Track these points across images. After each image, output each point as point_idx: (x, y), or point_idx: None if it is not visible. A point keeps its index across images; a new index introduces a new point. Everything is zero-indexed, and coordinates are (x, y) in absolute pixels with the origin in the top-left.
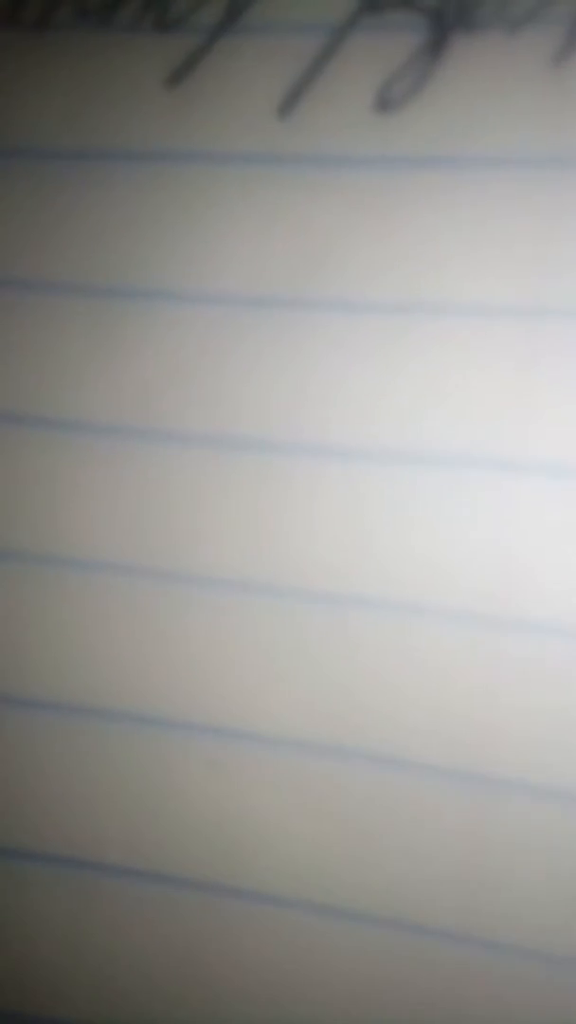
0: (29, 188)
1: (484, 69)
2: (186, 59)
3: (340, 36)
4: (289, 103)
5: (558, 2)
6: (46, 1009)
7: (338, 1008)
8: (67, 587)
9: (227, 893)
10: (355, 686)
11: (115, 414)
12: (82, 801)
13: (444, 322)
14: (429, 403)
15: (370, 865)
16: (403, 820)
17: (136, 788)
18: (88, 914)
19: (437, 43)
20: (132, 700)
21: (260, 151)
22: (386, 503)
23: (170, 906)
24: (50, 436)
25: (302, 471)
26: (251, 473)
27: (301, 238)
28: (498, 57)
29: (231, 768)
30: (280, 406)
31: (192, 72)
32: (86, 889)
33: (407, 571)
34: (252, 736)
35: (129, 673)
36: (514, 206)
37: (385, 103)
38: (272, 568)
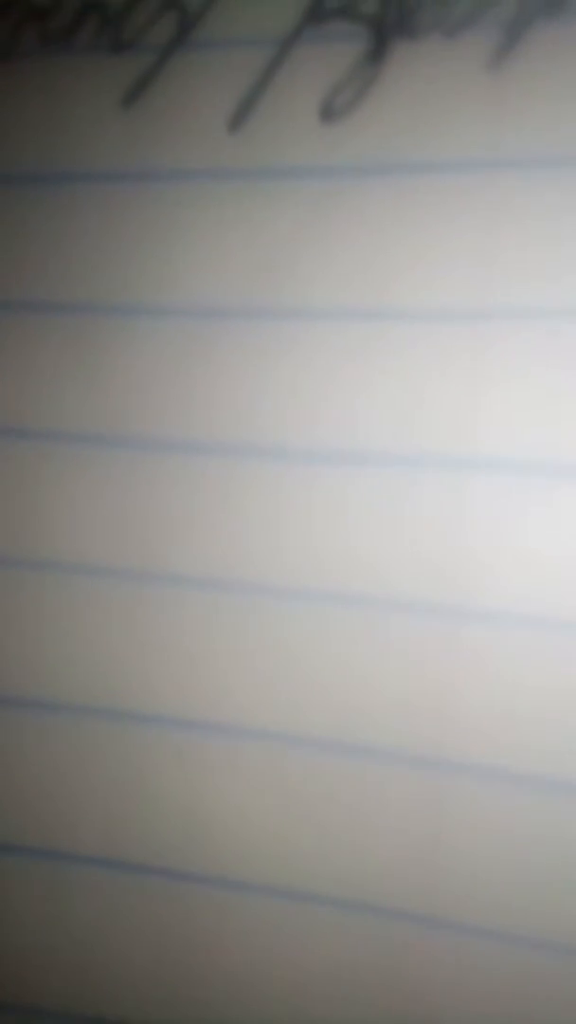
0: None
1: (424, 74)
2: (139, 79)
3: (285, 48)
4: (238, 117)
5: (494, 6)
6: (22, 998)
7: (308, 989)
8: (42, 588)
9: (199, 880)
10: (320, 676)
11: (92, 423)
12: (56, 793)
13: (398, 326)
14: (384, 404)
15: (336, 850)
16: (366, 805)
17: (109, 780)
18: (63, 904)
19: (378, 50)
20: (103, 694)
21: (212, 166)
22: (347, 501)
23: (144, 895)
24: (29, 446)
25: (268, 473)
26: (221, 475)
27: (257, 248)
28: (437, 62)
29: (201, 759)
30: (250, 408)
31: (146, 91)
32: (61, 880)
33: (368, 565)
34: (221, 727)
35: (100, 668)
36: (458, 210)
37: (329, 113)
38: (237, 566)
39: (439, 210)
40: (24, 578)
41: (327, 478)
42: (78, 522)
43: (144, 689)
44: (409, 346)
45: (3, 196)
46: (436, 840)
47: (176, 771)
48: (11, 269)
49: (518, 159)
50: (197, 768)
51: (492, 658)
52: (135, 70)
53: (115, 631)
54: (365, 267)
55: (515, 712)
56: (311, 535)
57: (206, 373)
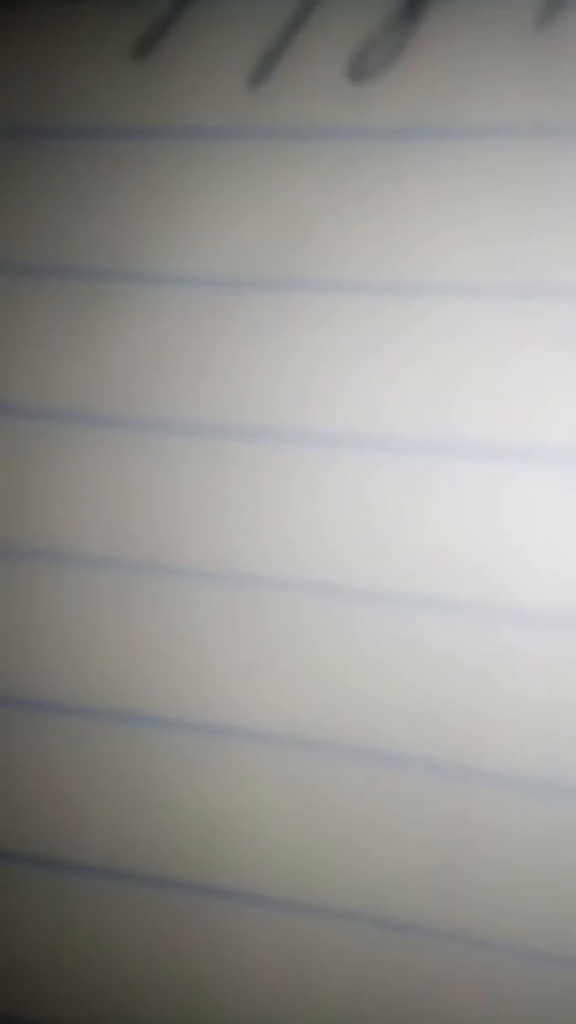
0: None
1: (461, 36)
2: (151, 29)
3: (310, 3)
4: (260, 73)
5: None
6: (27, 1010)
7: (324, 1005)
8: (44, 581)
9: (210, 892)
10: (340, 678)
11: (91, 400)
12: (62, 801)
13: (427, 299)
14: (412, 385)
15: (356, 861)
16: (389, 814)
17: (117, 787)
18: (69, 915)
19: (412, 10)
20: (111, 697)
21: (232, 123)
22: (370, 489)
23: (152, 906)
24: (19, 424)
25: (283, 455)
26: (231, 459)
27: (277, 213)
28: (476, 23)
29: (213, 765)
30: (262, 388)
31: (158, 43)
32: (66, 890)
33: (393, 561)
34: (234, 732)
35: (108, 670)
36: (496, 176)
37: (359, 72)
38: (251, 557)
39: (475, 178)
40: (14, 568)
41: (346, 463)
42: (70, 507)
43: (150, 689)
44: (437, 323)
45: (1, 149)
46: (461, 851)
47: (185, 776)
48: (5, 228)
49: (563, 127)
50: (207, 773)
51: (525, 659)
52: (147, 20)
53: (117, 626)
54: (393, 236)
55: (546, 717)
56: (330, 526)
57: (216, 347)
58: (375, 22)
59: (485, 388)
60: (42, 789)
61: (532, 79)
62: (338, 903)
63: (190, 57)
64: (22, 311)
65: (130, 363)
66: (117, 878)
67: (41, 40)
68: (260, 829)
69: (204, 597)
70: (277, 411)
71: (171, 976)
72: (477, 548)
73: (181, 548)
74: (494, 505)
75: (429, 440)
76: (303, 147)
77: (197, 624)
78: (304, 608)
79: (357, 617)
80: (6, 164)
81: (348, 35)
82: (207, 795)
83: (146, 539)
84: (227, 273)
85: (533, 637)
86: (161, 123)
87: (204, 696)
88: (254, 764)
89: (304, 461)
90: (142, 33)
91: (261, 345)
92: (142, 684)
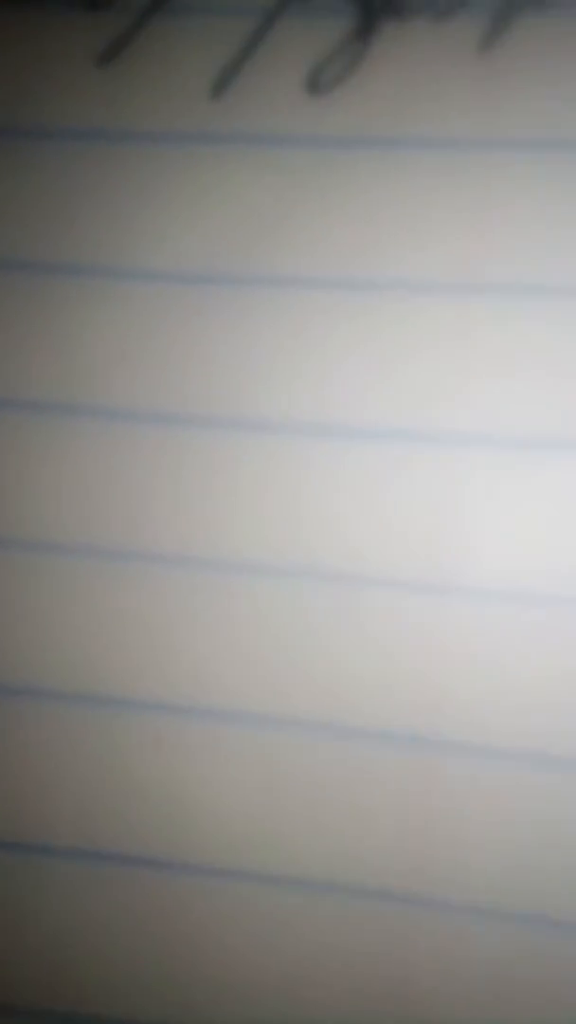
0: None
1: (412, 54)
2: (116, 39)
3: (270, 19)
4: (221, 84)
5: None
6: None
7: (300, 974)
8: (13, 567)
9: (178, 869)
10: (305, 656)
11: (61, 391)
12: (30, 783)
13: (376, 294)
14: (368, 377)
15: (322, 833)
16: (352, 786)
17: (84, 768)
18: (36, 898)
19: (365, 29)
20: (77, 679)
21: (194, 130)
22: (329, 476)
23: (122, 886)
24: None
25: (249, 447)
26: (199, 449)
27: (236, 214)
28: (425, 43)
29: (178, 743)
30: (222, 378)
31: (124, 51)
32: (34, 872)
33: (350, 542)
34: (198, 710)
35: (73, 652)
36: (443, 185)
37: (315, 85)
38: (218, 543)
39: (426, 185)
40: None
41: (314, 452)
42: (46, 497)
43: (119, 671)
44: (388, 316)
45: None
46: (426, 819)
47: (154, 756)
48: None
49: (504, 140)
50: (177, 753)
51: (483, 635)
52: (112, 30)
53: (85, 611)
54: (344, 236)
55: (500, 688)
56: (296, 511)
57: (181, 340)
58: (331, 39)
59: (437, 377)
60: (8, 772)
61: (473, 97)
62: (307, 874)
63: (155, 66)
64: None
65: (96, 354)
66: (88, 859)
67: (10, 46)
68: (224, 804)
69: (169, 581)
70: (237, 400)
71: (143, 953)
72: (431, 530)
73: (149, 534)
74: (447, 490)
75: (383, 428)
76: (262, 153)
77: (160, 607)
78: (264, 589)
79: (316, 597)
80: None
81: (306, 50)
82: (177, 774)
83: (113, 525)
84: (190, 270)
85: (478, 610)
86: (127, 127)
87: (170, 676)
88: (218, 740)
89: (263, 448)
90: (108, 42)
91: (225, 338)
92: (110, 666)
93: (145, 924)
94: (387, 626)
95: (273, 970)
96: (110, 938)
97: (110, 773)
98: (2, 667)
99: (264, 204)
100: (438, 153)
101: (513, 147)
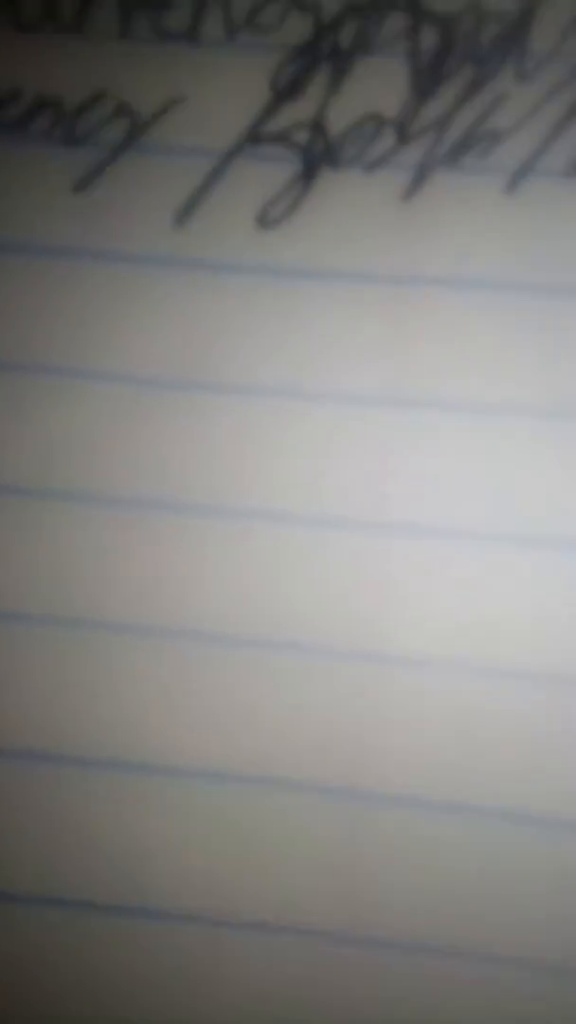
0: None
1: (346, 199)
2: (90, 170)
3: (227, 159)
4: (183, 214)
5: (403, 153)
6: None
7: (248, 1013)
8: None
9: (135, 914)
10: (243, 715)
11: (18, 475)
12: None
13: (313, 406)
14: (303, 470)
15: (264, 876)
16: (289, 835)
17: (44, 820)
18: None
19: (307, 174)
20: (34, 736)
21: (156, 254)
22: (274, 556)
23: (80, 931)
24: None
25: (192, 529)
26: (146, 530)
27: (190, 330)
28: (358, 190)
29: (131, 796)
30: (173, 470)
31: (96, 182)
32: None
33: (288, 610)
34: (150, 766)
35: (24, 708)
36: (371, 313)
37: (264, 221)
38: (168, 613)
39: (356, 312)
40: None
41: (258, 534)
42: (5, 573)
43: (75, 729)
44: (327, 424)
45: None
46: (357, 864)
47: (111, 808)
48: None
49: (423, 277)
50: (129, 805)
51: (407, 696)
52: (87, 163)
53: (39, 672)
54: (285, 353)
55: (429, 745)
56: (232, 581)
57: (132, 433)
58: (279, 181)
59: (362, 472)
60: None
61: (400, 239)
62: (251, 916)
63: (123, 197)
64: None
65: (59, 441)
66: (45, 906)
67: None
68: (172, 853)
69: (122, 647)
70: (185, 485)
71: (98, 997)
72: (365, 600)
73: (103, 602)
74: (381, 567)
75: (314, 515)
76: (215, 278)
77: (113, 671)
78: (209, 654)
79: (257, 661)
80: None
81: (257, 189)
82: (126, 825)
83: (68, 593)
84: (145, 374)
85: (413, 672)
86: (95, 248)
87: (121, 734)
88: (168, 795)
89: (209, 530)
90: (82, 174)
91: (172, 433)
92: (58, 724)
93: (100, 967)
94: (327, 687)
95: (213, 1004)
96: (64, 982)
97: (66, 826)
98: None
99: (214, 320)
100: (366, 285)
101: (431, 283)
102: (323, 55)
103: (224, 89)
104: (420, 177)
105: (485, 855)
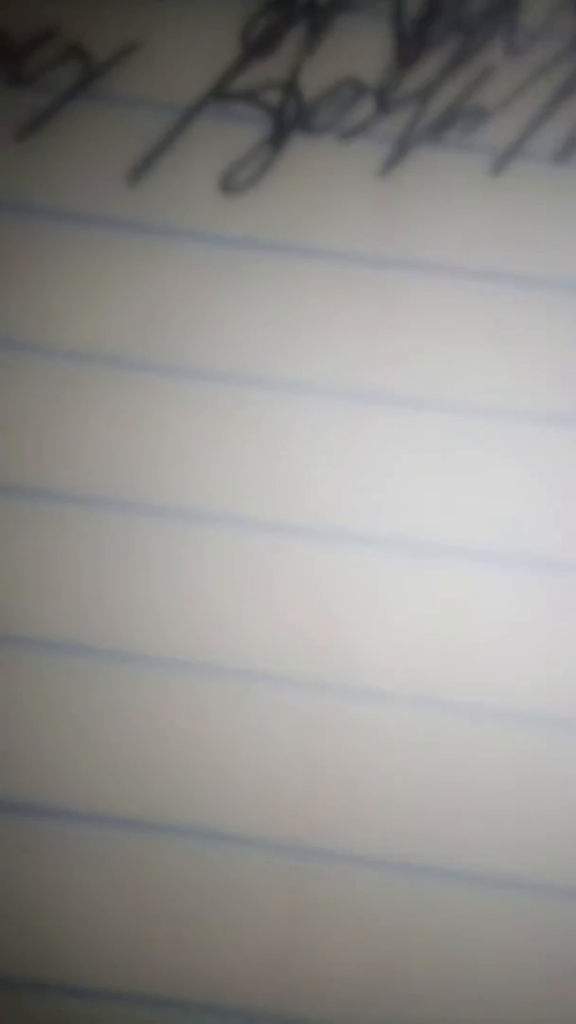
0: None
1: (318, 168)
2: (35, 116)
3: (190, 115)
4: (137, 172)
5: (385, 122)
6: None
7: None
8: None
9: (40, 988)
10: (172, 755)
11: None
12: None
13: (271, 394)
14: (254, 470)
15: (188, 947)
16: (221, 894)
17: None
18: None
19: (276, 137)
20: None
21: (105, 214)
22: (214, 569)
23: None
24: None
25: (128, 531)
26: (79, 529)
27: (140, 302)
28: (331, 159)
29: (41, 847)
30: (109, 461)
31: (43, 129)
32: None
33: (228, 637)
34: (63, 813)
35: None
36: (338, 295)
37: (228, 186)
38: (89, 631)
39: (322, 292)
40: None
41: (204, 540)
42: None
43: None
44: (284, 416)
45: None
46: (295, 928)
47: (18, 861)
48: None
49: (397, 260)
50: (39, 857)
51: (355, 738)
52: (32, 108)
53: None
54: (243, 335)
55: (372, 793)
56: (168, 600)
57: (70, 418)
58: (245, 143)
59: (322, 474)
60: None
61: (374, 216)
62: (173, 992)
63: (70, 148)
64: None
65: None
66: None
67: None
68: (87, 913)
69: (36, 666)
70: (123, 482)
71: None
72: (312, 627)
73: (25, 615)
74: (326, 588)
75: (265, 520)
76: (171, 244)
77: (25, 698)
78: (128, 679)
79: (192, 690)
80: None
81: (220, 152)
82: (34, 879)
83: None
84: (85, 349)
85: (362, 715)
86: (36, 203)
87: (31, 775)
88: (85, 847)
89: (146, 532)
90: (25, 119)
91: (113, 419)
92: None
93: None
94: (262, 725)
95: None
96: None
97: None
98: None
99: (167, 293)
100: (335, 264)
101: (405, 267)
102: (300, 9)
103: (190, 38)
104: (400, 150)
105: (444, 918)
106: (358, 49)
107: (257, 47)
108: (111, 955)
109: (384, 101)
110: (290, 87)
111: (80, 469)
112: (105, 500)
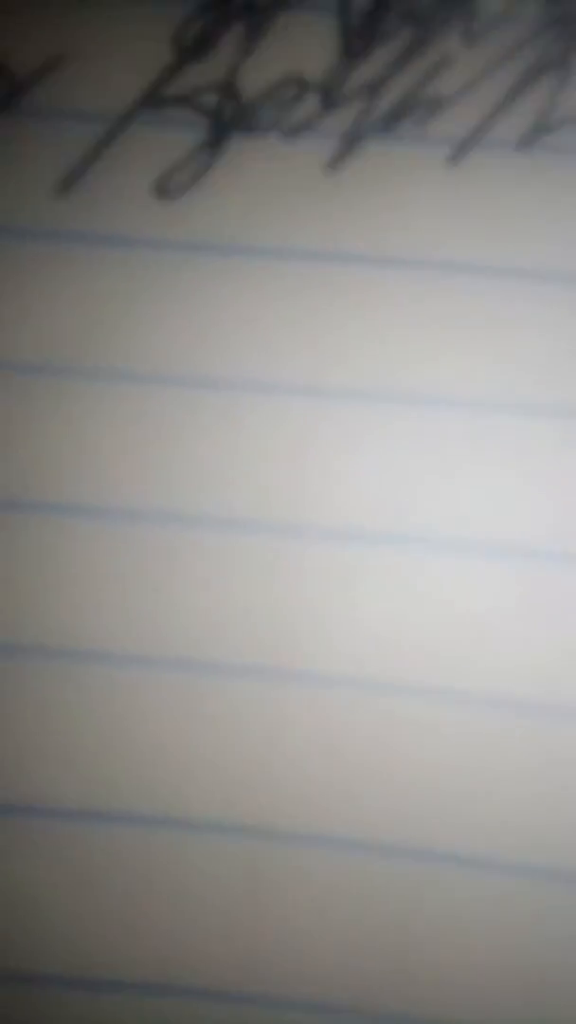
0: None
1: (260, 169)
2: None
3: (121, 123)
4: (67, 183)
5: (333, 116)
6: None
7: None
8: None
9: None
10: (134, 744)
11: None
12: None
13: (216, 394)
14: (203, 467)
15: (148, 931)
16: (183, 878)
17: None
18: None
19: (215, 141)
20: None
21: (39, 226)
22: (168, 562)
23: None
24: None
25: (83, 532)
26: (32, 535)
27: (77, 310)
28: (272, 160)
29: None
30: (55, 467)
31: None
32: None
33: (191, 627)
34: (23, 808)
35: None
36: (289, 298)
37: (163, 191)
38: (54, 631)
39: (266, 293)
40: None
41: (154, 540)
42: None
43: None
44: (231, 415)
45: None
46: (256, 910)
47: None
48: None
49: (343, 255)
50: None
51: (316, 719)
52: None
53: None
54: (187, 336)
55: (339, 775)
56: (130, 596)
57: (15, 427)
58: (181, 148)
59: (272, 470)
60: None
61: (321, 213)
62: (129, 975)
63: (1, 162)
64: None
65: None
66: None
67: None
68: (47, 903)
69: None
70: (71, 487)
71: None
72: (270, 616)
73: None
74: (289, 580)
75: (228, 519)
76: (106, 253)
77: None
78: (87, 676)
79: (154, 682)
80: None
81: (155, 157)
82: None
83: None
84: (18, 361)
85: (320, 700)
86: None
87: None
88: (43, 834)
89: (113, 536)
90: None
91: (58, 425)
92: None
93: None
94: (223, 711)
95: None
96: None
97: None
98: None
99: (105, 302)
100: (281, 263)
101: (358, 261)
102: (237, 9)
103: (121, 47)
104: (348, 145)
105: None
106: (301, 46)
107: (192, 51)
108: (73, 941)
109: (330, 97)
110: (228, 88)
111: (36, 476)
112: (49, 506)
